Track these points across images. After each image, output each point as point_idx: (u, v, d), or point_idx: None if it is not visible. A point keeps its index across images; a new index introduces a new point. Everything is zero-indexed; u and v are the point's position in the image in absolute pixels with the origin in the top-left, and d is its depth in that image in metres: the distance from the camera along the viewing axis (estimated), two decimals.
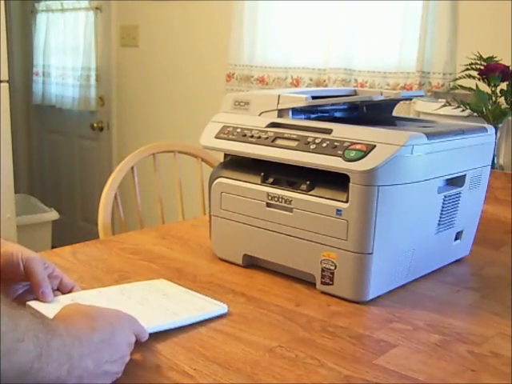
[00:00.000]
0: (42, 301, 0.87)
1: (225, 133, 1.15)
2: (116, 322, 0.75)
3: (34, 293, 0.88)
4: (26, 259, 0.86)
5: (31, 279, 0.87)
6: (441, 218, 1.10)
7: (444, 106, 1.80)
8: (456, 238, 1.18)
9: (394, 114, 1.34)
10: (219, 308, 0.94)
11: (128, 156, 1.78)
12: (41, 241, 3.39)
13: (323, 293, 1.03)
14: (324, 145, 1.01)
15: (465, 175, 1.13)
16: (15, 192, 2.93)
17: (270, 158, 1.07)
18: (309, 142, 1.03)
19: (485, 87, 1.80)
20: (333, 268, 1.01)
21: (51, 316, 0.84)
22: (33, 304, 0.87)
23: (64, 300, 0.91)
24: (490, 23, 2.14)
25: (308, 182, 1.03)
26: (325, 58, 2.53)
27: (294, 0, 2.60)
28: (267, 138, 1.09)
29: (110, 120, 3.65)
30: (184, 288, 1.02)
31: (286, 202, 1.05)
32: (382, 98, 1.17)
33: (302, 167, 1.03)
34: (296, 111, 1.14)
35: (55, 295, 0.92)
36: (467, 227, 1.20)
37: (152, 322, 0.85)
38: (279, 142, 1.07)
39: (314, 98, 1.12)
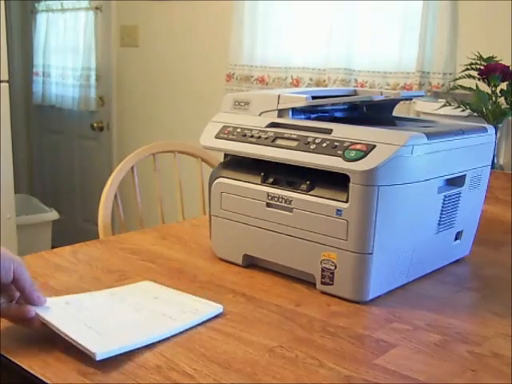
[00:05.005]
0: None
1: (225, 133, 1.15)
2: None
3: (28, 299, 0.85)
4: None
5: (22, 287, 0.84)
6: (441, 218, 1.10)
7: (444, 105, 1.80)
8: (456, 238, 1.18)
9: (394, 114, 1.34)
10: (214, 309, 0.93)
11: (128, 156, 1.78)
12: (41, 241, 3.40)
13: (323, 293, 1.03)
14: (324, 145, 1.01)
15: (465, 175, 1.13)
16: (15, 192, 2.93)
17: (270, 158, 1.07)
18: (309, 142, 1.03)
19: (485, 87, 1.79)
20: (333, 268, 1.01)
21: (54, 319, 0.83)
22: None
23: (59, 303, 0.91)
24: (489, 23, 2.14)
25: (308, 182, 1.03)
26: (325, 58, 2.53)
27: (294, 0, 2.60)
28: (267, 138, 1.09)
29: (110, 120, 3.66)
30: (172, 289, 1.01)
31: (286, 202, 1.05)
32: (382, 97, 1.17)
33: (302, 167, 1.03)
34: (296, 111, 1.14)
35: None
36: (467, 227, 1.20)
37: (152, 332, 0.85)
38: (279, 141, 1.07)
39: (314, 98, 1.12)
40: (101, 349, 0.78)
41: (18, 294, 0.85)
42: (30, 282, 0.84)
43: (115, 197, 1.67)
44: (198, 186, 1.90)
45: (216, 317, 0.92)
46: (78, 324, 0.85)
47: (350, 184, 0.96)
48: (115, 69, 3.58)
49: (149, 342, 0.83)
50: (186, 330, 0.87)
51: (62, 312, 0.88)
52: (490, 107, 1.74)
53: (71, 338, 0.80)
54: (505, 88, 1.77)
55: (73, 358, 0.78)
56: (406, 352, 0.84)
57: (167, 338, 0.84)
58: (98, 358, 0.76)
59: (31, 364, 0.76)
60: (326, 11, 2.52)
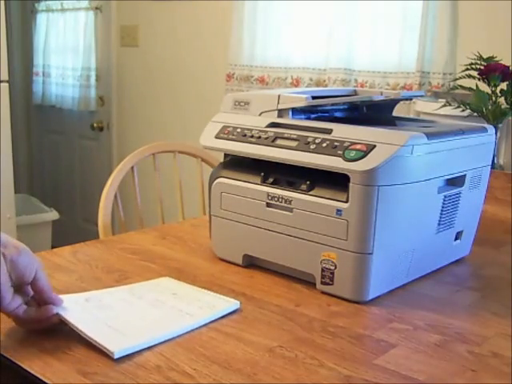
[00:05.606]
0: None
1: (225, 133, 1.15)
2: None
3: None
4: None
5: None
6: (441, 218, 1.10)
7: (444, 105, 1.80)
8: (456, 238, 1.18)
9: (394, 114, 1.34)
10: (231, 304, 0.94)
11: (128, 156, 1.78)
12: (41, 241, 3.39)
13: (323, 293, 1.03)
14: (324, 145, 1.01)
15: (465, 175, 1.13)
16: (15, 192, 2.93)
17: (270, 158, 1.07)
18: (309, 142, 1.03)
19: (485, 87, 1.79)
20: (333, 268, 1.01)
21: (74, 318, 0.83)
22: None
23: (78, 300, 0.91)
24: (489, 23, 2.14)
25: (308, 182, 1.03)
26: (325, 58, 2.53)
27: (294, 0, 2.60)
28: (267, 138, 1.09)
29: (110, 120, 3.65)
30: (191, 285, 1.02)
31: (285, 202, 1.05)
32: (381, 97, 1.17)
33: (302, 167, 1.03)
34: (296, 111, 1.14)
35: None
36: (467, 227, 1.20)
37: (169, 328, 0.86)
38: (279, 142, 1.07)
39: (314, 98, 1.12)
40: (119, 347, 0.78)
41: (29, 297, 0.85)
42: (49, 283, 0.85)
43: (115, 197, 1.67)
44: (198, 186, 1.90)
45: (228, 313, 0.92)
46: (98, 322, 0.85)
47: (350, 184, 0.96)
48: (115, 69, 3.58)
49: (166, 338, 0.83)
50: (201, 327, 0.88)
51: (81, 310, 0.88)
52: (490, 107, 1.74)
53: (90, 338, 0.80)
54: (505, 88, 1.77)
55: (73, 358, 0.78)
56: (405, 352, 0.84)
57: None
58: (116, 357, 0.77)
59: (31, 364, 0.76)
60: (325, 11, 2.51)
